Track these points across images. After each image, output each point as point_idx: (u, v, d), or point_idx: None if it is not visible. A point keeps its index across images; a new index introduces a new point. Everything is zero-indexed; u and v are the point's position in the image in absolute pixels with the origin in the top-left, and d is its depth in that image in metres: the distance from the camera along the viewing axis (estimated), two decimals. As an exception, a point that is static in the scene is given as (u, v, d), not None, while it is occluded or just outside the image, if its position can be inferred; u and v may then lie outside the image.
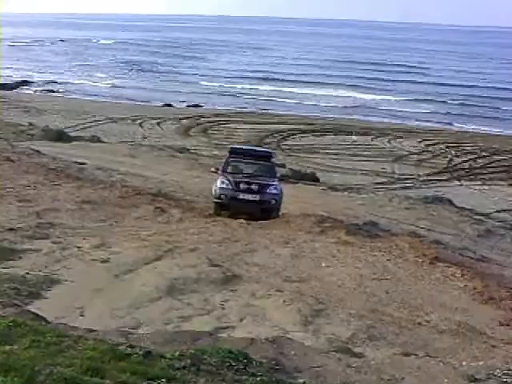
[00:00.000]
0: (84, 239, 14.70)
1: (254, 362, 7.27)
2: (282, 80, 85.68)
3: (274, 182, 20.28)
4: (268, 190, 19.84)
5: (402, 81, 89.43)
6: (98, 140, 35.62)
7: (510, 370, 7.94)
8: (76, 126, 42.69)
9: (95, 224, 16.48)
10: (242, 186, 19.75)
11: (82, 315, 10.33)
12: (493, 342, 10.76)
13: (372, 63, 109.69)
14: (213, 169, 21.73)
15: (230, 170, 20.78)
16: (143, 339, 8.21)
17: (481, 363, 8.86)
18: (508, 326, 11.86)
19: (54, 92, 67.88)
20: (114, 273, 12.58)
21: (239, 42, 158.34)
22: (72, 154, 28.05)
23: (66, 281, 11.82)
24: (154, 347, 7.49)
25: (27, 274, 11.69)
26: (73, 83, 76.06)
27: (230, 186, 19.70)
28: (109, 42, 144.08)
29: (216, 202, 19.86)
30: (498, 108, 69.18)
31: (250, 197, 19.69)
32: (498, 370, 7.94)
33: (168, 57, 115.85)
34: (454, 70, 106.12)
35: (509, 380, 7.67)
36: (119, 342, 7.41)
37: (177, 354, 7.04)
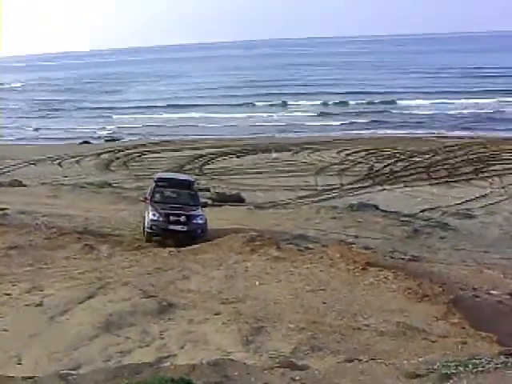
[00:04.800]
0: (13, 285, 14.37)
1: (197, 388, 7.23)
2: (196, 106, 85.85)
3: (199, 211, 21.75)
4: (194, 221, 21.39)
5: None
6: (19, 184, 34.85)
7: (448, 362, 8.11)
8: (-6, 171, 41.78)
9: (24, 269, 16.12)
10: (171, 218, 21.10)
11: (19, 363, 10.11)
12: (431, 338, 11.01)
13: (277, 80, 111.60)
14: (141, 198, 23.52)
15: (156, 198, 22.20)
16: (84, 379, 8.06)
17: (421, 359, 9.02)
18: (444, 320, 12.14)
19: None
20: (48, 315, 12.35)
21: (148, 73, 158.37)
22: (-8, 201, 27.38)
23: (-1, 330, 11.55)
24: (96, 386, 7.37)
25: (-44, 328, 11.39)
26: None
27: (160, 218, 21.03)
28: (18, 84, 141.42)
29: (148, 232, 21.01)
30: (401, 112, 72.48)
31: (178, 227, 21.11)
32: (438, 364, 8.10)
33: (82, 93, 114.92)
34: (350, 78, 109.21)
35: (448, 372, 7.82)
36: (60, 386, 7.26)
37: (119, 389, 6.94)
